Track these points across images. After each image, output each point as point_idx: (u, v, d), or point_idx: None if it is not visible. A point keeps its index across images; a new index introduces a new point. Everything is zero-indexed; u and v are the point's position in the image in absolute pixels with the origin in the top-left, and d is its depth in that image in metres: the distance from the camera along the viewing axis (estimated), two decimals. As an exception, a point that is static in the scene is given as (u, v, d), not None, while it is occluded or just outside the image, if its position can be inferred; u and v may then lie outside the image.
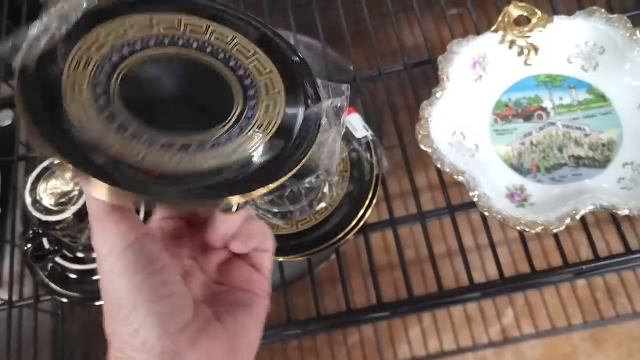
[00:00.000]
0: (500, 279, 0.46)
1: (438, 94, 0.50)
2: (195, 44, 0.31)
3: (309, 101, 0.29)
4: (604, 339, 1.05)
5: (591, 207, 0.43)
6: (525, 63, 0.53)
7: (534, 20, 0.52)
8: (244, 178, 0.26)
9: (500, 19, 0.52)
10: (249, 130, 0.28)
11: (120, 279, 0.25)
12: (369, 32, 0.59)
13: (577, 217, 0.43)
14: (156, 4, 0.31)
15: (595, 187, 0.46)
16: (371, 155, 0.49)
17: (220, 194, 0.25)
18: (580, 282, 1.07)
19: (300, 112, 0.29)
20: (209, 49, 0.31)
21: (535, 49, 0.52)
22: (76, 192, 0.45)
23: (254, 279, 0.31)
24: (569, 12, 0.52)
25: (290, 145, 0.28)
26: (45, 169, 0.46)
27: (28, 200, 0.45)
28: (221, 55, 0.31)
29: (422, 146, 0.48)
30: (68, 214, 0.44)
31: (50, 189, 0.46)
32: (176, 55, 0.30)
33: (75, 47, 0.28)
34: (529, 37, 0.52)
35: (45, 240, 0.50)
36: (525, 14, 0.52)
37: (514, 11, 0.52)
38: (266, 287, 0.32)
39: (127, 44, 0.30)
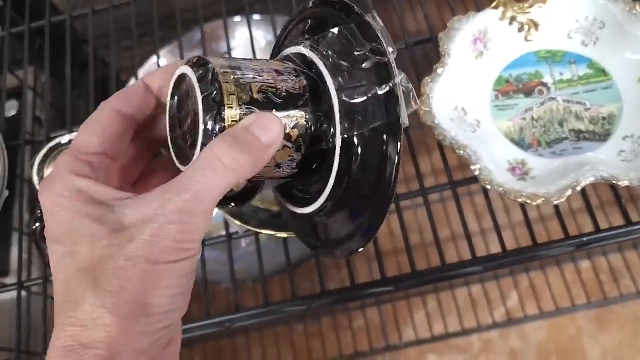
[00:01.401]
0: (502, 252, 0.46)
1: (439, 70, 0.50)
2: None
3: None
4: (609, 320, 1.05)
5: (592, 179, 0.44)
6: (526, 39, 0.53)
7: (534, -4, 0.52)
8: None
9: (500, -5, 0.52)
10: None
11: None
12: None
13: (578, 188, 0.44)
14: None
15: (596, 160, 0.47)
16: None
17: None
18: (585, 264, 1.07)
19: None
20: None
21: (536, 25, 0.53)
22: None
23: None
24: (569, -12, 0.52)
25: None
26: (52, 149, 0.47)
27: (35, 179, 0.46)
28: None
29: (424, 121, 0.48)
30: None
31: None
32: None
33: None
34: (529, 13, 0.52)
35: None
36: (525, -10, 0.52)
37: (514, -12, 0.52)
38: None
39: None
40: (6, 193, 0.54)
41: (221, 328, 0.49)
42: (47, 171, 0.46)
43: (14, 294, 0.55)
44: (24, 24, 0.69)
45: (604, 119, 0.49)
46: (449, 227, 1.07)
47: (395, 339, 1.05)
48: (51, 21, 0.69)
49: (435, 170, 1.09)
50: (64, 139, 0.46)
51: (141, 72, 0.84)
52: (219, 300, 1.03)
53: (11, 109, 0.86)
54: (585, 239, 0.46)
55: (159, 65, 0.69)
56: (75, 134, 0.48)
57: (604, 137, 0.49)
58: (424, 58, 0.64)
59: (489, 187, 0.45)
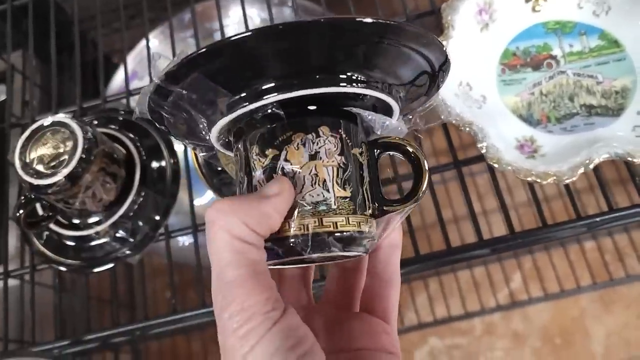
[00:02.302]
0: (510, 234, 0.44)
1: (443, 43, 0.47)
2: None
3: None
4: (613, 301, 1.04)
5: (605, 156, 0.41)
6: (534, 9, 0.50)
7: (542, -37, 0.49)
8: None
9: (506, -37, 0.50)
10: None
11: None
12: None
13: (591, 166, 0.41)
14: None
15: (609, 135, 0.44)
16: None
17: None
18: (589, 245, 1.05)
19: None
20: None
21: (544, -5, 0.50)
22: (66, 156, 0.43)
23: (379, 331, 0.27)
24: (580, -46, 0.49)
25: None
26: (35, 132, 0.44)
27: (18, 164, 0.43)
28: None
29: (426, 98, 0.45)
30: (60, 176, 0.42)
31: (41, 152, 0.44)
32: None
33: None
34: (537, -19, 0.49)
35: (38, 207, 0.49)
36: (533, -43, 0.49)
37: (520, -46, 0.49)
38: (396, 339, 0.27)
39: None
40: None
41: (216, 317, 0.47)
42: (31, 154, 0.43)
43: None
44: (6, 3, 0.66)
45: (616, 92, 0.47)
46: (451, 208, 1.05)
47: (397, 323, 1.03)
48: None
49: (436, 151, 1.06)
50: (47, 121, 0.44)
51: (130, 56, 0.81)
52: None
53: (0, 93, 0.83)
54: (598, 219, 0.44)
55: (148, 48, 0.66)
56: (61, 115, 0.46)
57: (617, 111, 0.46)
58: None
59: (496, 165, 0.43)
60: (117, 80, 0.84)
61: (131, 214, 0.48)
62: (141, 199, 0.48)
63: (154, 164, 0.50)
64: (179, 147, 0.52)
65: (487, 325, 1.05)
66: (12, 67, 0.70)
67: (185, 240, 0.74)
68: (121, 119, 0.53)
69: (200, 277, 0.50)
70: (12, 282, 0.54)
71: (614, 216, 0.44)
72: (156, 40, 0.85)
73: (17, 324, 0.53)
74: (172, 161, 0.51)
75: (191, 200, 0.51)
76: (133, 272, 1.00)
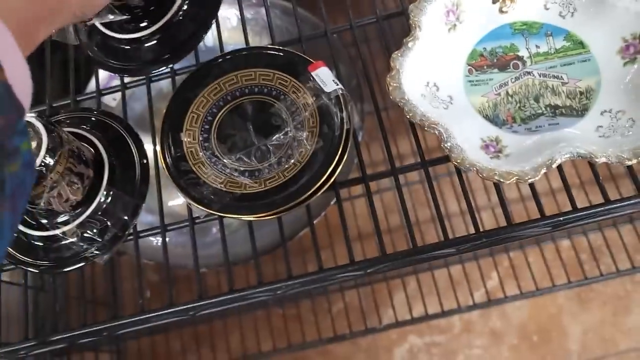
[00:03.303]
0: (475, 232, 0.45)
1: (410, 44, 0.48)
2: (257, 89, 0.50)
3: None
4: (589, 299, 1.05)
5: (567, 156, 0.42)
6: (501, 10, 0.51)
7: (509, -35, 0.50)
8: None
9: (474, -37, 0.50)
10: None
11: None
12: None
13: (553, 166, 0.42)
14: (241, 65, 0.51)
15: (573, 135, 0.45)
16: (341, 110, 0.47)
17: None
18: (565, 244, 1.06)
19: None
20: (274, 92, 0.49)
21: (511, -4, 0.50)
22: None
23: None
24: (545, -45, 0.50)
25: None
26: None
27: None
28: (275, 94, 0.49)
29: (392, 98, 0.46)
30: (23, 176, 0.42)
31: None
32: (245, 99, 0.49)
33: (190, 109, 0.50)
34: (504, -18, 0.50)
35: None
36: (499, -42, 0.50)
37: (488, -45, 0.50)
38: None
39: (222, 98, 0.50)
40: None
41: (185, 316, 0.47)
42: None
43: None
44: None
45: (581, 93, 0.47)
46: (429, 208, 1.05)
47: (375, 322, 1.04)
48: None
49: (415, 151, 1.07)
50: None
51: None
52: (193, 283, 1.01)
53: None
54: (561, 218, 0.44)
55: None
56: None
57: (582, 112, 0.47)
58: (401, 34, 0.62)
59: (460, 165, 0.43)
60: (101, 78, 0.84)
61: (99, 213, 0.48)
62: (109, 199, 0.48)
63: (123, 165, 0.50)
64: (149, 147, 0.52)
65: (465, 323, 1.06)
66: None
67: (159, 240, 0.74)
68: (93, 119, 0.53)
69: (170, 277, 0.50)
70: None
71: (578, 215, 0.44)
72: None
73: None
74: (142, 161, 0.51)
75: (160, 201, 0.51)
76: (115, 271, 1.00)
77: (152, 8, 0.54)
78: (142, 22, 0.54)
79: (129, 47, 0.55)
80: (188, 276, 1.12)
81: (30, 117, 0.44)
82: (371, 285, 1.05)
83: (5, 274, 0.54)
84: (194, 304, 0.46)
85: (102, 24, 0.54)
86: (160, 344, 1.07)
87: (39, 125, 0.43)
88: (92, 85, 0.78)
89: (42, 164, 0.43)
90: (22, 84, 0.29)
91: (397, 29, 0.55)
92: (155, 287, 1.11)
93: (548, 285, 1.01)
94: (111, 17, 0.52)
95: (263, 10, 0.84)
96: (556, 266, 1.03)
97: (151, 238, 0.54)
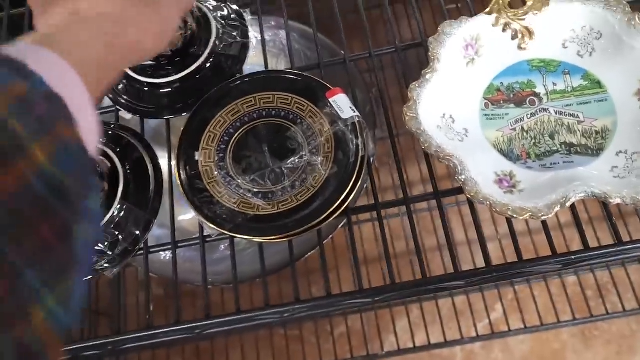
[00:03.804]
0: (486, 266, 0.45)
1: (428, 76, 0.48)
2: (275, 112, 0.50)
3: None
4: (594, 336, 1.04)
5: (582, 195, 0.42)
6: (519, 47, 0.51)
7: (529, 2, 0.50)
8: None
9: (494, 1, 0.51)
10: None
11: None
12: (364, 22, 0.57)
13: (567, 204, 0.42)
14: (260, 88, 0.51)
15: (587, 175, 0.45)
16: (357, 137, 0.47)
17: None
18: (571, 279, 1.06)
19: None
20: (291, 116, 0.49)
21: (530, 33, 0.51)
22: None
23: None
24: (566, -4, 0.50)
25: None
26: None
27: None
28: (292, 118, 0.49)
29: (409, 128, 0.46)
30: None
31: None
32: (263, 122, 0.50)
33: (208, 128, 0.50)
34: (523, 20, 0.50)
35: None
36: (520, -4, 0.50)
37: (509, -7, 0.51)
38: None
39: (239, 119, 0.50)
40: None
41: (190, 334, 0.47)
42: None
43: None
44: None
45: (597, 132, 0.48)
46: (436, 236, 1.05)
47: (377, 348, 1.03)
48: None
49: (424, 179, 1.07)
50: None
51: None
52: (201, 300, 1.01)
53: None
54: (573, 257, 0.44)
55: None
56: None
57: (597, 151, 0.47)
58: (418, 67, 0.63)
59: (473, 199, 0.43)
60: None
61: (111, 227, 0.48)
62: (122, 212, 0.49)
63: (138, 179, 0.50)
64: (164, 163, 0.53)
65: (467, 353, 1.05)
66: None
67: (167, 254, 0.74)
68: (110, 132, 0.53)
69: (177, 293, 0.50)
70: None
71: (589, 255, 0.44)
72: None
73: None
74: (156, 177, 0.51)
75: (172, 217, 0.51)
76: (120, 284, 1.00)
77: (177, 59, 0.54)
78: (165, 69, 0.54)
79: (146, 89, 0.55)
80: (192, 291, 1.12)
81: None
82: (374, 310, 1.05)
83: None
84: (201, 323, 0.46)
85: None
86: (160, 358, 1.06)
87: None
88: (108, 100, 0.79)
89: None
90: (93, 141, 0.28)
91: (412, 58, 0.56)
92: (158, 301, 1.11)
93: (553, 320, 1.01)
94: None
95: (281, 33, 0.86)
96: (561, 301, 1.02)
97: (160, 253, 0.55)
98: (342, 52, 0.57)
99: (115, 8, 0.33)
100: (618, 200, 0.42)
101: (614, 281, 1.02)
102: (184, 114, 0.54)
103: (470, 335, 1.01)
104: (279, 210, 0.46)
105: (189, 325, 0.47)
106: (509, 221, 0.46)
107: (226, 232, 0.46)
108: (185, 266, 0.79)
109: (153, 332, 0.46)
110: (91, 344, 0.47)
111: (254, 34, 0.58)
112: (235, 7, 0.58)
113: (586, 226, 1.09)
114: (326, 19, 0.63)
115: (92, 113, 0.29)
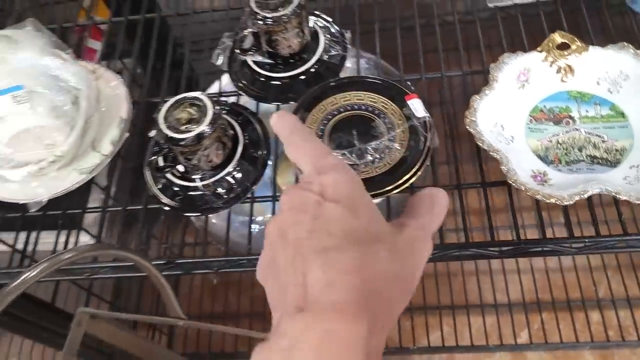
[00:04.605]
0: (517, 239, 0.57)
1: (487, 92, 0.62)
2: (364, 107, 0.65)
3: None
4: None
5: (597, 190, 0.54)
6: (561, 80, 0.65)
7: (573, 47, 0.64)
8: None
9: (545, 42, 0.65)
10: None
11: None
12: (440, 61, 0.72)
13: (585, 196, 0.55)
14: (352, 87, 0.67)
15: (604, 179, 0.58)
16: (426, 132, 0.61)
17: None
18: (596, 317, 1.15)
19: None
20: (376, 111, 0.65)
21: (572, 70, 0.64)
22: (198, 121, 0.59)
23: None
24: (603, 45, 0.64)
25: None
26: (178, 101, 0.60)
27: (161, 121, 0.59)
28: (377, 113, 0.64)
29: (468, 127, 0.60)
30: (191, 134, 0.58)
31: (179, 116, 0.60)
32: (354, 113, 0.65)
33: (312, 112, 0.66)
34: (567, 59, 0.64)
35: (160, 160, 0.64)
36: (566, 41, 0.64)
37: (557, 38, 0.65)
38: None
39: (336, 109, 0.66)
40: (126, 135, 0.68)
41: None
42: (172, 116, 0.59)
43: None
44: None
45: (616, 150, 0.60)
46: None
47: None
48: (145, 17, 0.85)
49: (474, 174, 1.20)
50: (188, 95, 0.60)
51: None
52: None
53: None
54: (587, 240, 0.56)
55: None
56: (198, 92, 0.62)
57: (614, 164, 0.59)
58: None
59: (513, 184, 0.56)
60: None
61: (230, 176, 0.63)
62: (239, 166, 0.64)
63: (252, 145, 0.66)
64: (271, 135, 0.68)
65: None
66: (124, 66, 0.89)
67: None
68: (233, 109, 0.69)
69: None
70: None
71: (600, 240, 0.56)
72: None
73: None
74: (265, 144, 0.66)
75: (274, 178, 0.66)
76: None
77: (291, 60, 0.71)
78: (279, 67, 0.71)
79: (262, 80, 0.72)
80: (238, 282, 1.26)
81: (200, 94, 0.60)
82: (411, 316, 1.16)
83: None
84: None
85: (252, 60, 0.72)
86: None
87: (207, 101, 0.60)
88: (214, 87, 0.96)
89: (204, 130, 0.58)
90: None
91: (478, 83, 0.70)
92: (212, 289, 1.25)
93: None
94: (260, 58, 0.70)
95: (361, 62, 1.01)
96: (584, 336, 1.11)
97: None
98: (419, 75, 0.72)
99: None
100: (625, 197, 0.54)
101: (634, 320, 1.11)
102: (289, 103, 0.70)
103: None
104: (361, 178, 0.60)
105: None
106: (537, 204, 0.58)
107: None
108: (238, 240, 0.90)
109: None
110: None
111: (350, 49, 0.74)
112: (338, 27, 0.75)
113: (614, 272, 1.20)
114: (409, 55, 0.78)
115: None
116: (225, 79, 0.88)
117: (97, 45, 1.10)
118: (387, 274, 0.30)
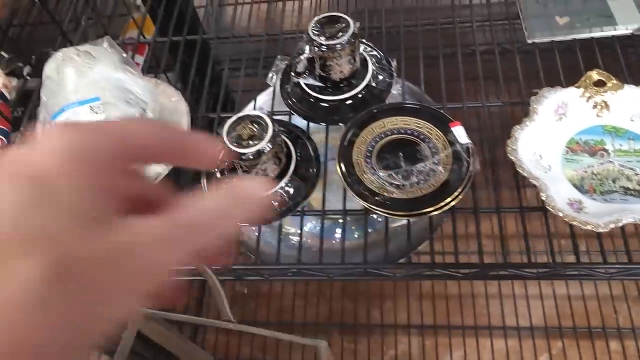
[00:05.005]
0: (552, 262, 0.61)
1: (527, 122, 0.67)
2: (410, 131, 0.70)
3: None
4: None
5: (630, 220, 0.58)
6: (597, 115, 0.69)
7: (609, 84, 0.69)
8: None
9: (583, 79, 0.69)
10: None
11: None
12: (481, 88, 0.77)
13: (619, 224, 0.58)
14: (401, 113, 0.71)
15: (636, 209, 0.61)
16: (469, 157, 0.66)
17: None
18: (614, 345, 1.18)
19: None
20: (421, 136, 0.69)
21: (607, 106, 0.69)
22: (259, 138, 0.64)
23: None
24: (637, 83, 0.68)
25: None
26: (240, 118, 0.65)
27: (225, 136, 0.64)
28: (422, 137, 0.69)
29: (509, 156, 0.64)
30: (252, 150, 0.63)
31: (241, 132, 0.65)
32: (400, 137, 0.70)
33: (361, 134, 0.70)
34: (603, 96, 0.68)
35: (218, 172, 0.69)
36: (603, 79, 0.69)
37: (594, 76, 0.69)
38: None
39: (383, 132, 0.70)
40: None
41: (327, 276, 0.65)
42: (234, 131, 0.64)
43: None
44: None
45: (648, 183, 0.64)
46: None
47: (431, 370, 1.17)
48: (186, 38, 0.90)
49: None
50: (251, 112, 0.65)
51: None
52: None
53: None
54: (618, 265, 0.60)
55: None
56: (258, 111, 0.67)
57: (646, 196, 0.63)
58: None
59: (552, 210, 0.60)
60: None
61: (283, 190, 0.68)
62: (291, 181, 0.68)
63: (304, 161, 0.70)
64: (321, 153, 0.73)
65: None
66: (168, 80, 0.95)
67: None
68: (286, 127, 0.74)
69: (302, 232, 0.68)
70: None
71: (630, 267, 0.60)
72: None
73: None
74: (316, 161, 0.71)
75: (324, 193, 0.70)
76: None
77: (341, 85, 0.76)
78: (328, 90, 0.76)
79: (312, 101, 0.77)
80: (267, 293, 1.30)
81: (262, 114, 0.65)
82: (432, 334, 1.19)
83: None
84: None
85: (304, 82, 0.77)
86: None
87: (268, 121, 0.65)
88: (250, 106, 1.00)
89: (264, 147, 0.63)
90: None
91: (519, 115, 0.74)
92: (239, 299, 1.29)
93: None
94: (312, 81, 0.75)
95: (398, 88, 1.06)
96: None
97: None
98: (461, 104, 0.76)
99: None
100: (657, 227, 0.58)
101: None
102: (337, 124, 0.74)
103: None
104: (406, 197, 0.65)
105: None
106: (572, 231, 0.62)
107: (367, 205, 0.65)
108: (264, 249, 0.94)
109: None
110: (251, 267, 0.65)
111: (396, 77, 0.79)
112: (385, 55, 0.80)
113: (634, 301, 1.22)
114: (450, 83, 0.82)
115: None
116: (261, 98, 0.92)
117: (140, 59, 1.17)
118: None
